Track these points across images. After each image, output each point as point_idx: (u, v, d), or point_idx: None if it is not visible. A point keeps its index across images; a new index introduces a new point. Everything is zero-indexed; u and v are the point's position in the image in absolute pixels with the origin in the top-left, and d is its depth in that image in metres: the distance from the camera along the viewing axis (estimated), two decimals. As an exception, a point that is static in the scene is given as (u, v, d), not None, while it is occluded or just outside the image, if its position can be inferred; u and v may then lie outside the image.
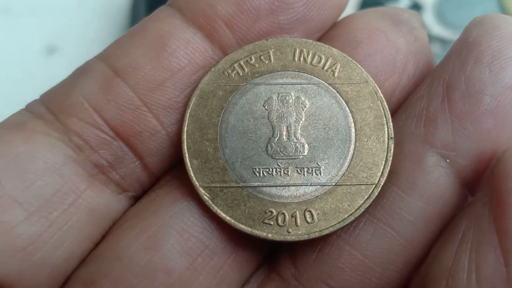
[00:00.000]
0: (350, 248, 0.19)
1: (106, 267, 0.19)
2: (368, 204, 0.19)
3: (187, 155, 0.20)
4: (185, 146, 0.20)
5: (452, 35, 0.42)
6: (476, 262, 0.16)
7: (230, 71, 0.20)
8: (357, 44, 0.21)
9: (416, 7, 0.44)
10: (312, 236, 0.19)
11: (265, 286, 0.20)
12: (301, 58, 0.21)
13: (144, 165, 0.20)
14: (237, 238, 0.20)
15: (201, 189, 0.19)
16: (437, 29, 0.42)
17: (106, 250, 0.19)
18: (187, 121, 0.20)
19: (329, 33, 0.22)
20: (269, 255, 0.21)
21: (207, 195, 0.19)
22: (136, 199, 0.21)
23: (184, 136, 0.20)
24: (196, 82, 0.20)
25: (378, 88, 0.20)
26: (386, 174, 0.19)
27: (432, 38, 0.43)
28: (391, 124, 0.20)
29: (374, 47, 0.21)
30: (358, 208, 0.19)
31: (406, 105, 0.21)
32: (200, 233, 0.19)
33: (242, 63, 0.21)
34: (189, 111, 0.20)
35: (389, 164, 0.20)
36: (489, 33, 0.19)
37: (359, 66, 0.20)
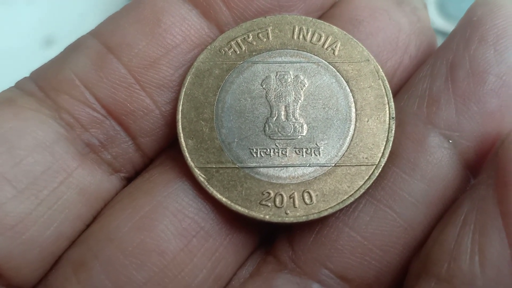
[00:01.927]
0: (349, 230, 0.19)
1: (97, 247, 0.18)
2: (368, 185, 0.19)
3: (182, 135, 0.19)
4: (180, 126, 0.19)
5: (453, 28, 0.42)
6: (480, 244, 0.16)
7: (227, 49, 0.20)
8: (358, 22, 0.20)
9: (418, -1, 0.43)
10: (311, 217, 0.18)
11: (261, 268, 0.19)
12: (301, 36, 0.20)
13: (137, 145, 0.20)
14: (233, 220, 0.19)
15: (197, 170, 0.19)
16: (440, 22, 0.42)
17: (97, 231, 0.19)
18: (182, 100, 0.19)
19: (330, 11, 0.21)
20: (266, 237, 0.20)
21: (203, 176, 0.19)
22: (128, 180, 0.20)
23: (179, 116, 0.19)
24: (192, 60, 0.20)
25: (379, 67, 0.20)
26: (387, 155, 0.19)
27: (434, 31, 0.42)
28: (392, 103, 0.19)
29: (376, 25, 0.20)
30: (358, 189, 0.19)
31: (409, 85, 0.20)
32: (195, 214, 0.19)
33: (239, 41, 0.20)
34: (184, 90, 0.19)
35: (390, 145, 0.19)
36: (494, 12, 0.19)
37: (360, 44, 0.20)
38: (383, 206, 0.19)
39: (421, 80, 0.20)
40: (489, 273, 0.15)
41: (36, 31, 0.46)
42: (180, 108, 0.19)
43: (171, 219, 0.18)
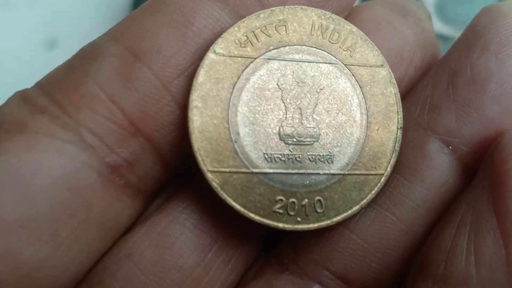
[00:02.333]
0: (350, 233, 0.19)
1: (115, 266, 0.18)
2: (374, 195, 0.19)
3: (193, 135, 0.18)
4: (192, 125, 0.18)
5: (453, 32, 0.42)
6: (475, 244, 0.17)
7: (243, 40, 0.18)
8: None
9: (417, 2, 0.43)
10: (322, 225, 0.19)
11: (265, 270, 0.20)
12: (319, 32, 0.19)
13: (164, 163, 0.18)
14: (243, 230, 0.19)
15: (209, 174, 0.18)
16: (438, 26, 0.42)
17: (114, 250, 0.18)
18: (194, 95, 0.17)
19: None
20: (269, 240, 0.20)
21: (216, 181, 0.18)
22: (151, 198, 0.19)
23: (191, 113, 0.17)
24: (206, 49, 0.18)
25: (392, 74, 0.20)
26: (393, 165, 0.19)
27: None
28: (401, 113, 0.19)
29: (381, 38, 0.20)
30: (366, 198, 0.19)
31: (412, 94, 0.20)
32: (209, 229, 0.18)
33: (257, 33, 0.18)
34: (196, 84, 0.18)
35: (397, 155, 0.19)
36: (497, 21, 0.19)
37: (375, 47, 0.20)
38: (383, 210, 0.19)
39: (423, 88, 0.20)
40: (484, 273, 0.16)
41: (39, 33, 0.45)
42: (192, 104, 0.18)
43: (188, 235, 0.18)
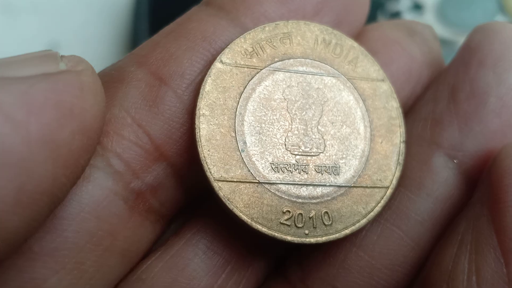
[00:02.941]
0: (357, 250, 0.19)
1: None
2: (381, 208, 0.19)
3: (200, 143, 0.17)
4: (199, 133, 0.17)
5: (453, 35, 0.42)
6: (476, 264, 0.17)
7: (250, 51, 0.19)
8: (372, 54, 0.20)
9: (417, 7, 0.44)
10: (330, 238, 0.18)
11: None
12: (322, 46, 0.20)
13: (186, 188, 0.18)
14: (254, 247, 0.19)
15: (216, 183, 0.17)
16: (439, 29, 0.42)
17: (129, 274, 0.18)
18: (201, 104, 0.17)
19: None
20: (277, 259, 0.20)
21: (223, 190, 0.17)
22: (170, 222, 0.19)
23: (198, 122, 0.17)
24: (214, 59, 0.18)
25: (393, 89, 0.20)
26: (398, 178, 0.19)
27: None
28: (403, 127, 0.20)
29: (389, 56, 0.21)
30: (372, 211, 0.19)
31: (413, 110, 0.21)
32: (222, 250, 0.18)
33: (264, 44, 0.19)
34: (204, 93, 0.18)
35: (401, 168, 0.19)
36: (491, 37, 0.19)
37: (376, 63, 0.20)
38: (390, 225, 0.19)
39: (425, 103, 0.20)
40: None
41: (41, 38, 0.45)
42: (200, 112, 0.18)
43: (201, 257, 0.18)
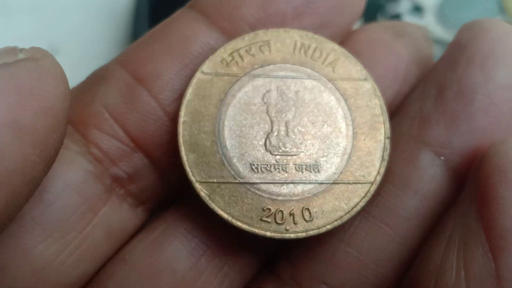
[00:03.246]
0: (345, 246, 0.19)
1: (111, 269, 0.19)
2: (364, 203, 0.19)
3: (183, 148, 0.19)
4: (181, 139, 0.19)
5: (452, 37, 0.42)
6: (464, 260, 0.16)
7: (229, 60, 0.20)
8: (358, 54, 0.21)
9: (417, 9, 0.44)
10: (310, 234, 0.19)
11: (264, 286, 0.20)
12: (302, 51, 0.20)
13: (163, 177, 0.20)
14: (236, 240, 0.19)
15: (198, 185, 0.19)
16: (439, 31, 0.42)
17: (115, 255, 0.19)
18: (183, 111, 0.19)
19: None
20: (268, 258, 0.21)
21: (204, 191, 0.19)
22: (152, 210, 0.20)
23: (180, 128, 0.19)
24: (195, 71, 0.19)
25: (376, 87, 0.20)
26: (382, 173, 0.19)
27: (433, 40, 0.43)
28: (388, 123, 0.20)
29: (375, 56, 0.21)
30: (355, 206, 0.19)
31: (401, 108, 0.21)
32: (202, 235, 0.19)
33: (242, 53, 0.20)
34: (185, 101, 0.19)
35: (386, 164, 0.20)
36: (479, 35, 0.19)
37: (359, 63, 0.20)
38: (377, 222, 0.19)
39: (412, 102, 0.20)
40: (474, 287, 0.16)
41: (40, 40, 0.46)
42: (181, 120, 0.19)
43: (181, 240, 0.19)
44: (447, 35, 0.43)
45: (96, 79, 0.20)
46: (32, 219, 0.18)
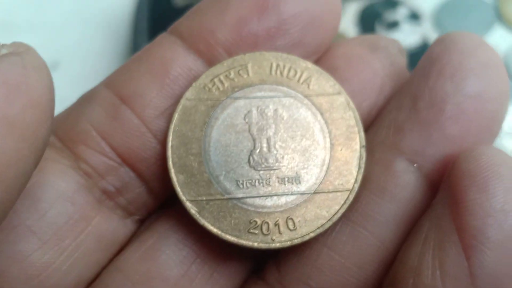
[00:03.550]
0: (328, 250, 0.20)
1: (106, 278, 0.20)
2: (344, 210, 0.20)
3: (172, 170, 0.20)
4: (171, 162, 0.20)
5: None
6: (440, 259, 0.18)
7: (210, 86, 0.21)
8: (334, 70, 0.22)
9: (415, 16, 0.45)
10: (295, 242, 0.20)
11: None
12: (278, 72, 0.22)
13: (150, 190, 0.21)
14: (225, 249, 0.21)
15: (188, 203, 0.20)
16: (435, 37, 0.43)
17: (109, 264, 0.21)
18: (171, 137, 0.21)
19: None
20: (257, 264, 0.22)
21: (194, 208, 0.20)
22: (142, 222, 0.22)
23: (169, 152, 0.20)
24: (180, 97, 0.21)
25: (350, 99, 0.22)
26: (359, 180, 0.21)
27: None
28: (362, 133, 0.21)
29: (351, 71, 0.22)
30: (336, 213, 0.20)
31: (377, 119, 0.22)
32: (193, 244, 0.21)
33: (222, 78, 0.21)
34: (172, 126, 0.21)
35: (362, 171, 0.21)
36: (449, 48, 0.21)
37: (331, 78, 0.22)
38: (357, 227, 0.20)
39: (388, 112, 0.22)
40: (449, 285, 0.17)
41: (42, 55, 0.47)
42: (170, 144, 0.21)
43: (173, 249, 0.20)
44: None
45: (84, 100, 0.21)
46: (28, 227, 0.19)
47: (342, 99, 0.22)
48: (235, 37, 0.21)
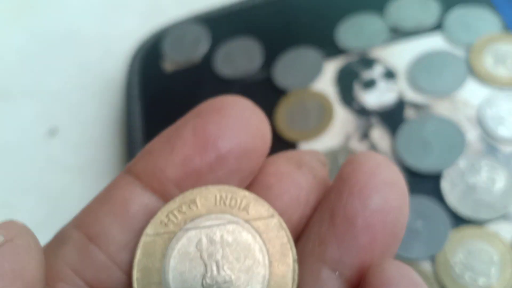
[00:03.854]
0: None
1: None
2: None
3: None
4: None
5: (424, 99, 0.45)
6: None
7: (166, 221, 0.26)
8: (268, 187, 0.26)
9: (390, 74, 0.47)
10: None
11: None
12: (221, 202, 0.26)
13: None
14: None
15: None
16: (410, 95, 0.46)
17: None
18: (135, 270, 0.25)
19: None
20: None
21: None
22: None
23: (135, 284, 0.25)
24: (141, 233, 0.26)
25: (282, 220, 0.25)
26: None
27: (406, 103, 0.46)
28: (294, 249, 0.25)
29: (282, 188, 0.26)
30: None
31: (305, 231, 0.26)
32: None
33: (176, 213, 0.26)
34: (136, 261, 0.25)
35: (296, 283, 0.24)
36: (357, 169, 0.24)
37: (266, 203, 0.26)
38: None
39: (312, 225, 0.25)
40: None
41: (40, 123, 0.49)
42: (135, 277, 0.25)
43: None
44: (420, 99, 0.46)
45: (58, 241, 0.26)
46: None
47: (276, 220, 0.25)
48: (182, 174, 0.25)
